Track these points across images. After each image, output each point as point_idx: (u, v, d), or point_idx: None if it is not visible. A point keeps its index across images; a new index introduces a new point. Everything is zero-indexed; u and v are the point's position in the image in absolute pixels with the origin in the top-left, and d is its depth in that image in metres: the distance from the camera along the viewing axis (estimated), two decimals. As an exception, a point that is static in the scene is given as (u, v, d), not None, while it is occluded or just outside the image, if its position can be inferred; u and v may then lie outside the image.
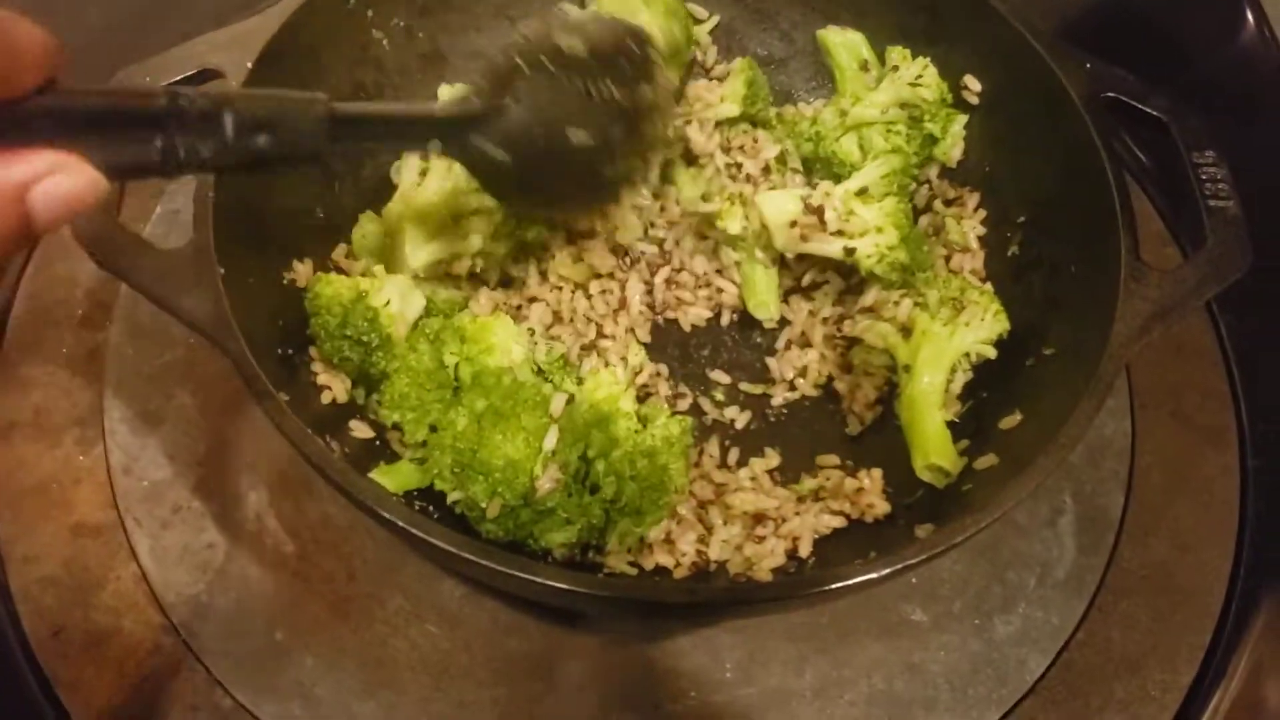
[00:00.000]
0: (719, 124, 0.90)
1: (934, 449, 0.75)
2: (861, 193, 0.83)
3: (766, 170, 0.88)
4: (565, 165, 0.69)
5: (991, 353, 0.79)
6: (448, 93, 0.91)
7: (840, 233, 0.80)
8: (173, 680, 0.75)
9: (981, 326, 0.78)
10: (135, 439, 0.85)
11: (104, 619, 0.77)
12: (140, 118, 0.48)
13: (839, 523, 0.76)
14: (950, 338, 0.77)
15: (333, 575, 0.79)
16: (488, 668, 0.76)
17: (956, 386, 0.80)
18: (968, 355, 0.79)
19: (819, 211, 0.79)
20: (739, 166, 0.88)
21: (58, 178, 0.42)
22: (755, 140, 0.90)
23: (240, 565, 0.80)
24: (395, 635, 0.77)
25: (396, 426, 0.75)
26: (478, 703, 0.75)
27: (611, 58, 0.68)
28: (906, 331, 0.80)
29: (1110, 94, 0.77)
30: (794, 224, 0.80)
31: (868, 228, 0.79)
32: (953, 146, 0.89)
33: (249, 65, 0.74)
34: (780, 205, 0.81)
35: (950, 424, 0.77)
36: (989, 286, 0.83)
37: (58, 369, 0.88)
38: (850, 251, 0.80)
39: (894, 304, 0.81)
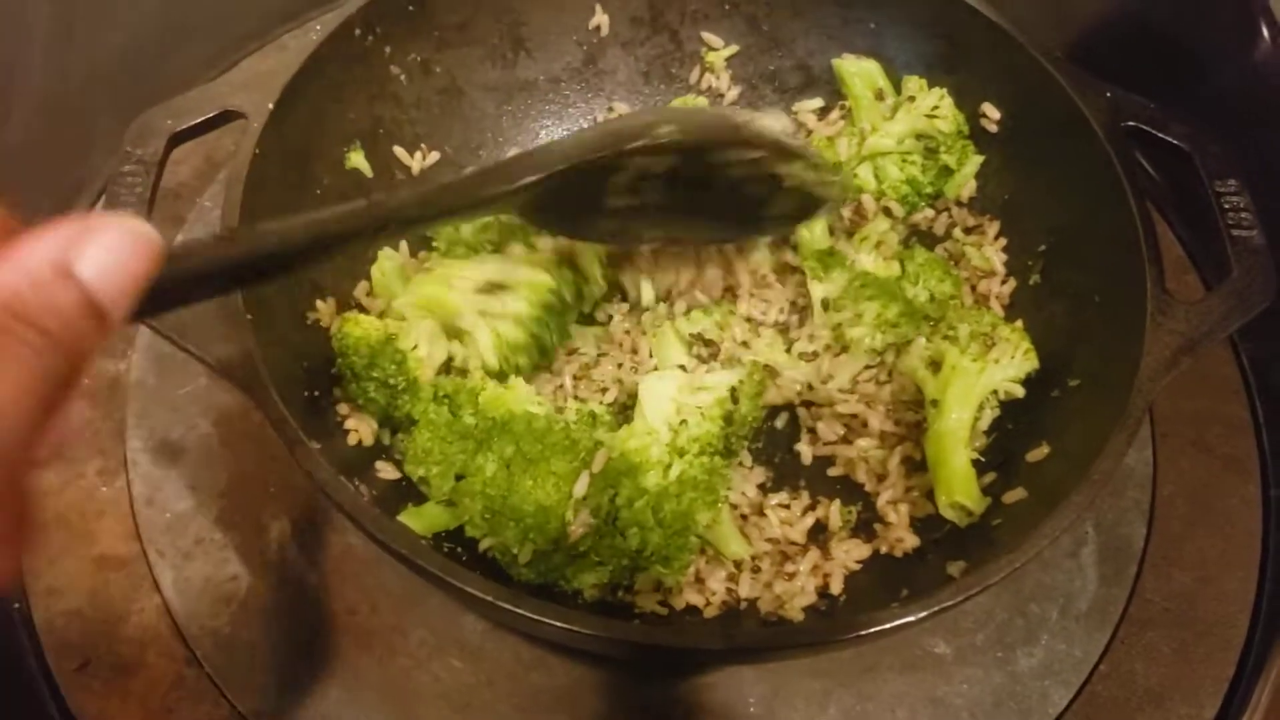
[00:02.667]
0: None
1: (958, 487, 0.75)
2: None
3: None
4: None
5: (1020, 392, 0.78)
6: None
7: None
8: (196, 713, 0.75)
9: (1011, 365, 0.77)
10: (157, 470, 0.85)
11: (128, 651, 0.78)
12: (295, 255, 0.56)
13: (866, 553, 0.76)
14: (980, 374, 0.77)
15: (356, 607, 0.79)
16: (510, 702, 0.76)
17: (983, 424, 0.79)
18: (995, 392, 0.79)
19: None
20: None
21: (100, 235, 0.36)
22: None
23: (263, 597, 0.80)
24: (418, 668, 0.77)
25: (423, 480, 0.75)
26: (500, 736, 0.75)
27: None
28: (935, 366, 0.79)
29: (1131, 123, 0.77)
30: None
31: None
32: (963, 185, 0.89)
33: (270, 106, 0.74)
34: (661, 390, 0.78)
35: (975, 458, 0.77)
36: (1019, 323, 0.82)
37: (79, 399, 0.89)
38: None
39: (926, 339, 0.81)
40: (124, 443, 0.86)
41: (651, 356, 0.84)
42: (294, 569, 0.81)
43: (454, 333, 0.81)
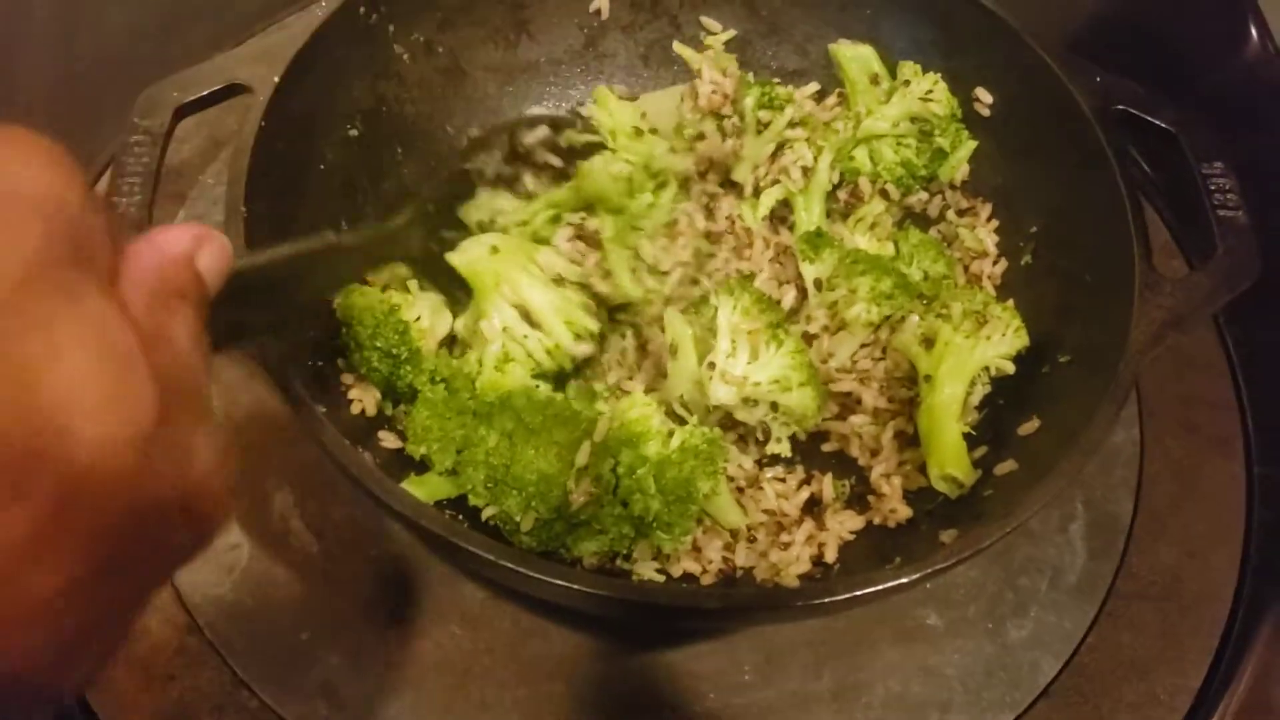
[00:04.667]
0: None
1: (950, 460, 0.77)
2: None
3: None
4: None
5: (1010, 368, 0.80)
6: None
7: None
8: (198, 680, 0.76)
9: (1002, 342, 0.79)
10: (161, 442, 0.86)
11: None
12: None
13: (860, 524, 0.77)
14: (972, 350, 0.78)
15: (357, 576, 0.80)
16: (509, 669, 0.77)
17: (975, 399, 0.81)
18: (987, 369, 0.80)
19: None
20: None
21: (209, 243, 0.42)
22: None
23: (265, 566, 0.81)
24: (419, 637, 0.78)
25: (425, 457, 0.76)
26: (499, 704, 0.76)
27: None
28: (929, 343, 0.81)
29: (1121, 106, 0.79)
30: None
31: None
32: (957, 169, 0.91)
33: (275, 80, 0.75)
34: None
35: (967, 431, 0.79)
36: (1011, 303, 0.84)
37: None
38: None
39: (920, 316, 0.82)
40: (128, 415, 0.87)
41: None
42: (296, 539, 0.82)
43: (524, 316, 0.82)
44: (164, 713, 0.75)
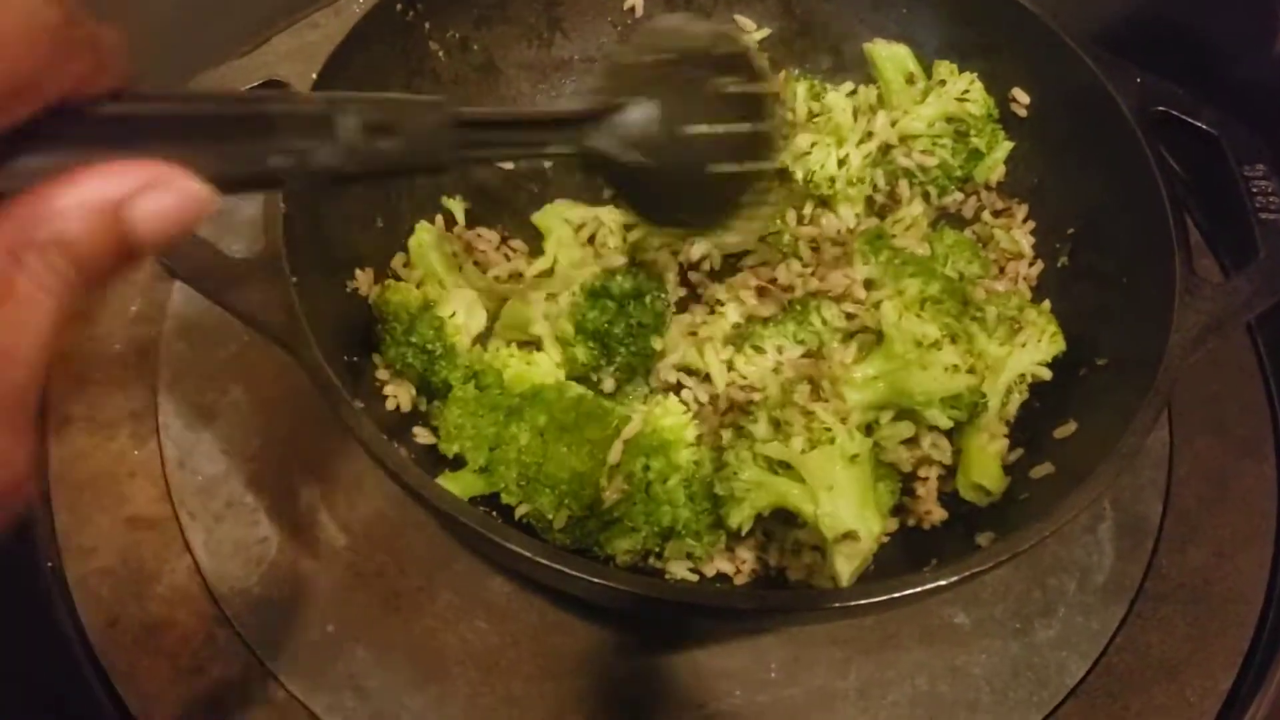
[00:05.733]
0: None
1: (978, 470, 0.76)
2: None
3: None
4: (690, 171, 0.64)
5: (1047, 375, 0.79)
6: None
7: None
8: (226, 671, 0.76)
9: (1038, 348, 0.78)
10: (189, 434, 0.86)
11: (159, 610, 0.79)
12: (248, 123, 0.43)
13: (893, 526, 0.77)
14: (1007, 359, 0.77)
15: (384, 569, 0.81)
16: (535, 663, 0.77)
17: (1011, 410, 0.80)
18: (1024, 376, 0.79)
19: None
20: None
21: (159, 192, 0.35)
22: None
23: (293, 559, 0.81)
24: (445, 629, 0.78)
25: (458, 456, 0.76)
26: (525, 697, 0.76)
27: (726, 60, 0.63)
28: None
29: (1161, 108, 0.78)
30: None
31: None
32: (993, 169, 0.90)
33: (314, 76, 0.75)
34: None
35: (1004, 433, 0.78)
36: (1046, 304, 0.83)
37: (111, 364, 0.89)
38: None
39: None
40: (156, 407, 0.87)
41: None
42: (323, 532, 0.82)
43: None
44: (192, 704, 0.75)
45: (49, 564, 0.80)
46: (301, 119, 0.45)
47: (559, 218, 0.90)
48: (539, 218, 0.92)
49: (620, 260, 0.84)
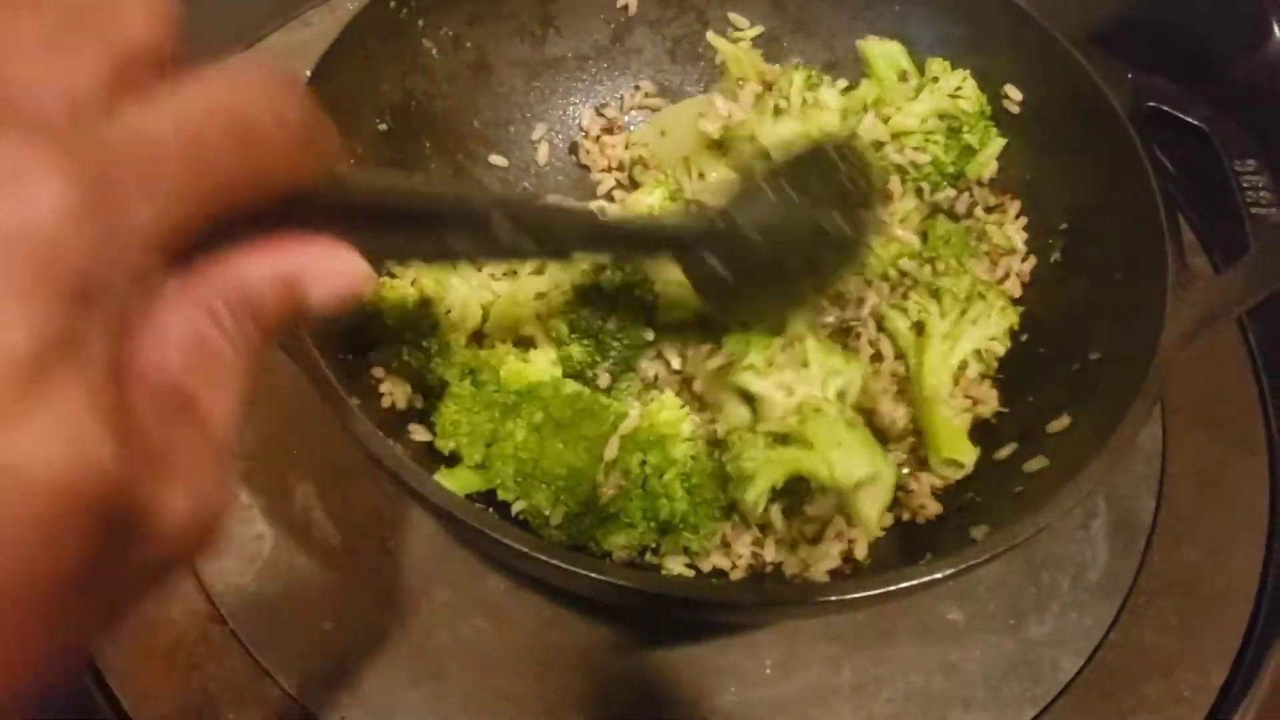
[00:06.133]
0: None
1: (945, 444, 0.77)
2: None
3: None
4: (777, 281, 0.70)
5: (1000, 350, 0.81)
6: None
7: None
8: (221, 669, 0.76)
9: (989, 324, 0.80)
10: (184, 432, 0.86)
11: (153, 607, 0.78)
12: (425, 218, 0.45)
13: (889, 521, 0.77)
14: (958, 337, 0.80)
15: (380, 567, 0.81)
16: (531, 660, 0.77)
17: (974, 376, 0.82)
18: (979, 353, 0.81)
19: None
20: None
21: (333, 269, 0.36)
22: None
23: (288, 556, 0.81)
24: (441, 627, 0.78)
25: (454, 452, 0.76)
26: (522, 695, 0.76)
27: (832, 178, 0.68)
28: (920, 327, 0.82)
29: (1152, 104, 0.79)
30: None
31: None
32: (985, 166, 0.91)
33: (307, 74, 0.75)
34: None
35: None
36: (1004, 289, 0.85)
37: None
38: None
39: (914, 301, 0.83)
40: (150, 404, 0.87)
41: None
42: (318, 530, 0.82)
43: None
44: (187, 702, 0.75)
45: (43, 563, 0.80)
46: (468, 217, 0.47)
47: None
48: None
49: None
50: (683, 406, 0.76)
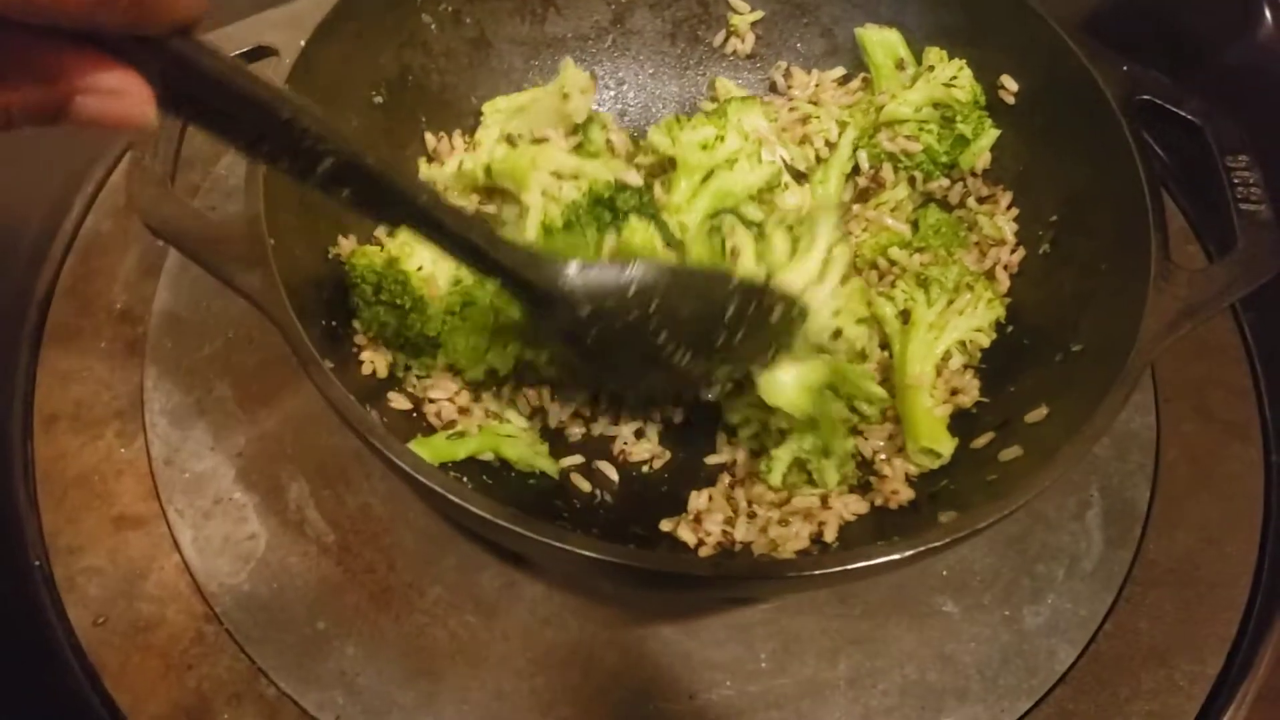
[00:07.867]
0: None
1: (924, 433, 0.78)
2: None
3: None
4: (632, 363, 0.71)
5: (985, 341, 0.81)
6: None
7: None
8: (216, 669, 0.76)
9: (975, 315, 0.80)
10: (176, 431, 0.86)
11: (148, 608, 0.79)
12: (256, 111, 0.45)
13: (863, 508, 0.78)
14: (944, 327, 0.80)
15: (373, 565, 0.81)
16: (525, 657, 0.77)
17: (957, 366, 0.82)
18: (963, 344, 0.81)
19: None
20: None
21: (113, 99, 0.40)
22: None
23: (282, 555, 0.81)
24: (435, 625, 0.78)
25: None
26: (516, 692, 0.76)
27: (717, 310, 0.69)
28: (906, 315, 0.82)
29: (1146, 97, 0.78)
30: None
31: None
32: (978, 157, 0.91)
33: (301, 44, 0.75)
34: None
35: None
36: (989, 280, 0.85)
37: (97, 362, 0.89)
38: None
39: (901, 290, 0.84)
40: (142, 405, 0.87)
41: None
42: (311, 528, 0.82)
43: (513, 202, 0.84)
44: (182, 701, 0.75)
45: (36, 563, 0.80)
46: (296, 136, 0.47)
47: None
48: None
49: (635, 177, 0.85)
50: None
